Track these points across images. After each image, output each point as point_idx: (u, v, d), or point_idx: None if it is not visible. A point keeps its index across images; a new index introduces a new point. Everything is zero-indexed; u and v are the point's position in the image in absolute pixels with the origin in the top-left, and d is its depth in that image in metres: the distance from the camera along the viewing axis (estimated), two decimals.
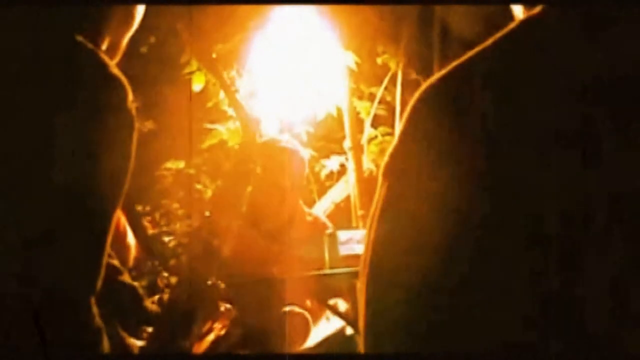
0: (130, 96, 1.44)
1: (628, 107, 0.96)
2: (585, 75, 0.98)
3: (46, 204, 1.36)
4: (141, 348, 2.27)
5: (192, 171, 4.42)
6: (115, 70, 1.45)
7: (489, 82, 1.01)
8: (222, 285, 2.68)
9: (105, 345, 1.43)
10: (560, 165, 0.95)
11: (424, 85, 1.06)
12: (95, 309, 1.40)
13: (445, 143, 1.01)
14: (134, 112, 1.44)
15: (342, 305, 3.18)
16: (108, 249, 1.43)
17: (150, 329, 2.53)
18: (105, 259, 1.41)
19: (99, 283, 1.39)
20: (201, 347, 2.74)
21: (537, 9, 1.05)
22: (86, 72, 1.43)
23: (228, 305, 2.87)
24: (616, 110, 0.96)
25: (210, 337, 2.80)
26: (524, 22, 1.05)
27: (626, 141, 0.95)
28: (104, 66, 1.44)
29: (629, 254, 0.93)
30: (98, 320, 1.41)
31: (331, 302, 3.15)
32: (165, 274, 3.85)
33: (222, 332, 2.83)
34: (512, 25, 1.05)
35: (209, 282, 2.54)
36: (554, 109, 0.97)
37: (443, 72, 1.05)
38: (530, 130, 0.97)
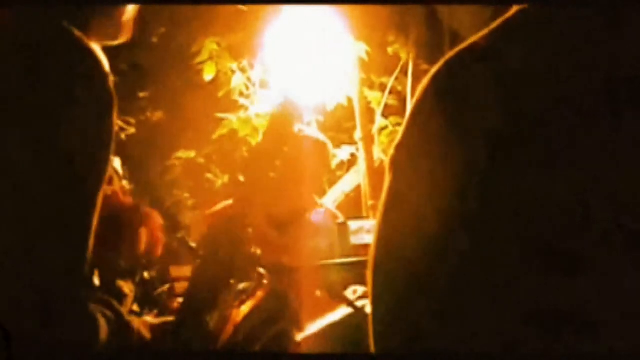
0: (105, 70, 1.39)
1: (633, 107, 0.96)
2: (592, 73, 0.97)
3: (20, 189, 1.31)
4: (168, 323, 2.26)
5: (202, 161, 4.43)
6: (89, 44, 1.39)
7: (492, 74, 1.01)
8: (259, 252, 2.69)
9: (103, 332, 1.40)
10: (563, 162, 0.95)
11: (427, 77, 1.06)
12: (85, 298, 1.36)
13: (449, 135, 1.01)
14: (111, 86, 1.38)
15: (359, 292, 3.17)
16: (92, 234, 1.37)
17: (179, 300, 2.54)
18: (90, 244, 1.36)
19: (85, 270, 1.35)
20: (237, 315, 2.73)
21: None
22: (59, 49, 1.37)
23: (263, 272, 2.87)
24: (620, 110, 0.95)
25: (248, 305, 2.79)
26: (525, 12, 1.05)
27: (630, 142, 0.95)
28: (76, 41, 1.38)
29: (629, 255, 0.92)
30: (91, 310, 1.37)
31: (348, 290, 3.14)
32: (193, 244, 3.84)
33: (261, 300, 2.82)
34: (509, 13, 1.05)
35: (252, 250, 2.54)
36: (559, 104, 0.97)
37: (442, 64, 1.05)
38: (535, 124, 0.97)
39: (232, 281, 2.41)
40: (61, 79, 1.33)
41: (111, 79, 1.39)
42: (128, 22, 1.58)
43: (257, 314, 2.78)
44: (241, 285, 2.59)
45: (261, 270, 2.85)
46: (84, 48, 1.37)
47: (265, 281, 2.79)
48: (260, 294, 2.83)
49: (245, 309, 2.75)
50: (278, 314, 2.86)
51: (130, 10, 1.58)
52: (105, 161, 1.38)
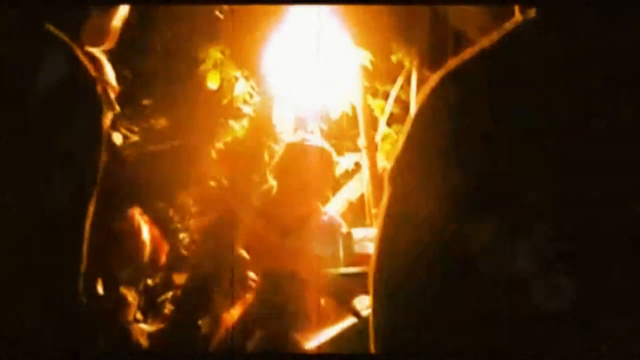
0: (93, 75, 1.38)
1: (633, 106, 0.96)
2: (589, 75, 0.97)
3: (10, 198, 1.30)
4: (160, 329, 2.26)
5: (205, 168, 4.43)
6: (77, 51, 1.38)
7: (491, 83, 1.01)
8: (248, 257, 2.69)
9: (101, 340, 1.39)
10: (563, 163, 0.95)
11: (428, 84, 1.06)
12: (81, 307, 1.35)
13: (448, 146, 1.01)
14: (99, 92, 1.37)
15: (364, 302, 3.17)
16: (85, 245, 1.36)
17: (170, 307, 2.55)
18: (84, 254, 1.35)
19: (80, 282, 1.34)
20: (229, 318, 2.74)
21: (533, 11, 1.05)
22: (46, 55, 1.36)
23: (254, 276, 2.88)
24: (620, 110, 0.96)
25: (238, 308, 2.79)
26: (524, 23, 1.05)
27: (630, 141, 0.95)
28: (63, 47, 1.37)
29: (629, 255, 0.92)
30: (89, 320, 1.36)
31: (355, 300, 3.14)
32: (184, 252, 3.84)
33: (250, 303, 2.83)
34: (509, 25, 1.05)
35: (239, 253, 2.55)
36: (558, 109, 0.97)
37: (444, 72, 1.05)
38: (534, 131, 0.97)
39: (221, 286, 2.42)
40: (48, 85, 1.33)
41: (99, 84, 1.39)
42: (115, 28, 1.58)
43: (247, 316, 2.79)
44: (228, 292, 2.60)
45: (251, 274, 2.86)
46: (72, 55, 1.37)
47: (252, 284, 2.80)
48: (249, 296, 2.84)
49: (235, 312, 2.76)
50: (269, 315, 2.87)
51: (119, 17, 1.58)
52: (96, 165, 1.37)
